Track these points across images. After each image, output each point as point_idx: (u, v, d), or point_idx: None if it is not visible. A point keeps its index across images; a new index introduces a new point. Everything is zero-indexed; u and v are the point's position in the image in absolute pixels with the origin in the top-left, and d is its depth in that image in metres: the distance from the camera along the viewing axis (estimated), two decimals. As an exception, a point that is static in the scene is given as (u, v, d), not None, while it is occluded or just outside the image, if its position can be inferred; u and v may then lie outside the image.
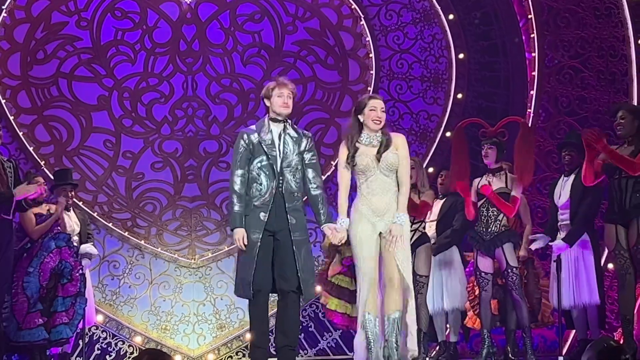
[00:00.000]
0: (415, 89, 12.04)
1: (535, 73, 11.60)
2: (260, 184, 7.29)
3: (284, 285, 7.27)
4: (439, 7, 11.99)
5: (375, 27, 12.01)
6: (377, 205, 7.29)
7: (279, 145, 7.35)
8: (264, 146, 7.31)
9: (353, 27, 12.05)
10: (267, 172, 7.28)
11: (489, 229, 9.08)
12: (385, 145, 7.33)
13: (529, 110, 11.55)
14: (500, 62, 12.00)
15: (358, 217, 7.33)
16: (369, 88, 11.88)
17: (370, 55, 11.96)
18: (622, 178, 8.25)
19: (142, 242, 11.48)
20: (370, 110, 7.36)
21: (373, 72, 11.93)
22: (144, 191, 11.69)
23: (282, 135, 7.37)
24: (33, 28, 11.52)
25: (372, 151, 7.35)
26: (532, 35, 11.64)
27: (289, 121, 7.48)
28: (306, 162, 7.43)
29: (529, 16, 11.65)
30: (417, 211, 9.03)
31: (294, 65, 12.00)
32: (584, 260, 9.08)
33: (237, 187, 7.31)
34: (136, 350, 11.14)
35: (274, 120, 7.40)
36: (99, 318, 10.94)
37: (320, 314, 11.40)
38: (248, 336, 11.07)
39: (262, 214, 7.24)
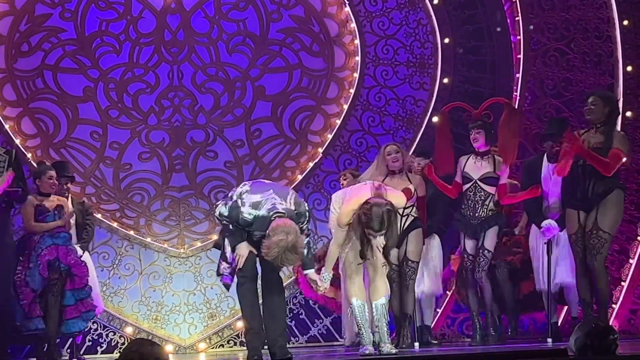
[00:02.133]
0: (401, 74, 12.03)
1: (520, 56, 11.62)
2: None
3: (265, 270, 7.35)
4: (423, -8, 12.00)
5: (360, 13, 12.00)
6: None
7: None
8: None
9: (338, 13, 12.03)
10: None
11: (477, 214, 9.13)
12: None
13: (515, 93, 11.56)
14: (485, 46, 12.01)
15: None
16: (354, 74, 11.88)
17: (356, 41, 11.95)
18: (586, 165, 8.33)
19: (131, 232, 11.48)
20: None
21: (359, 58, 11.92)
22: (132, 182, 11.67)
23: None
24: (17, 20, 11.47)
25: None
26: (516, 18, 11.64)
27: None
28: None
29: (513, -1, 11.67)
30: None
31: (279, 53, 11.98)
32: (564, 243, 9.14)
33: None
34: (127, 341, 11.13)
35: None
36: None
37: (311, 301, 11.41)
38: (239, 324, 11.15)
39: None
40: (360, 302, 7.56)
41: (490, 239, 9.12)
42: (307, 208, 7.42)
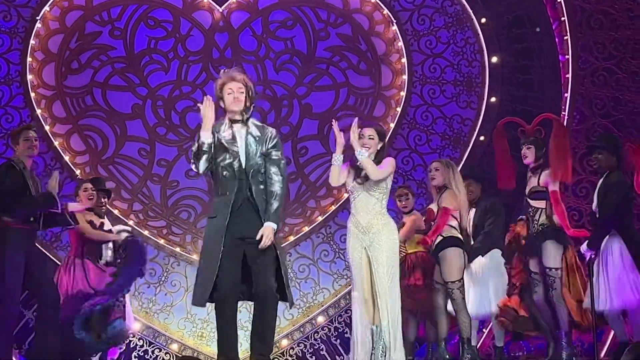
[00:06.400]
0: (448, 93, 12.02)
1: (569, 75, 11.54)
2: (226, 184, 6.83)
3: (260, 289, 6.87)
4: (471, 11, 11.97)
5: (408, 31, 12.00)
6: (361, 222, 7.75)
7: (242, 144, 6.87)
8: (224, 142, 6.86)
9: (385, 32, 12.04)
10: (230, 171, 6.83)
11: (531, 231, 8.97)
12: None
13: (563, 113, 11.48)
14: (533, 65, 11.94)
15: (349, 234, 7.87)
16: (401, 93, 11.88)
17: (403, 60, 11.95)
18: None
19: (178, 249, 11.53)
20: (359, 137, 7.78)
21: (406, 77, 11.92)
22: (179, 199, 11.75)
23: (245, 136, 6.90)
24: (67, 38, 11.61)
25: (360, 172, 7.82)
26: (565, 38, 11.58)
27: (250, 119, 6.98)
28: (270, 158, 6.92)
29: (562, 18, 11.59)
30: (441, 220, 8.98)
31: (326, 72, 12.02)
32: (614, 263, 8.92)
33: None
34: (173, 357, 11.18)
35: (234, 120, 6.93)
36: (136, 326, 10.99)
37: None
38: (284, 343, 11.17)
39: (222, 219, 6.77)
40: (372, 325, 7.74)
41: (547, 256, 8.83)
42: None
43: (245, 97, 6.92)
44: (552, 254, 8.82)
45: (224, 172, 6.84)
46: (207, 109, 6.80)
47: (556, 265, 8.81)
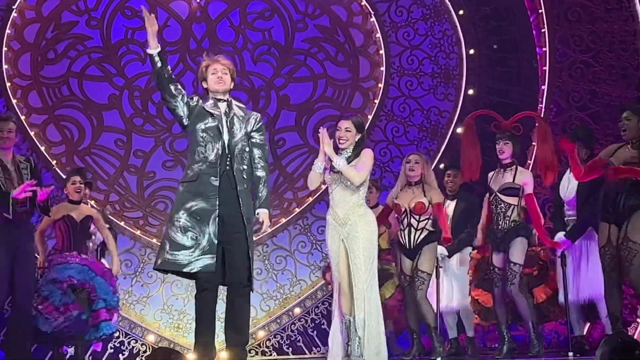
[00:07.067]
0: (425, 85, 12.03)
1: (546, 68, 11.56)
2: (205, 146, 6.77)
3: (234, 278, 6.83)
4: (449, 3, 11.98)
5: (386, 23, 12.01)
6: (339, 214, 7.64)
7: (226, 121, 6.83)
8: (207, 108, 6.86)
9: (363, 23, 12.04)
10: (212, 134, 6.78)
11: (499, 226, 8.98)
12: (351, 160, 7.66)
13: (540, 105, 11.50)
14: (511, 58, 11.97)
15: (328, 226, 7.77)
16: (379, 85, 11.88)
17: (381, 51, 11.95)
18: (619, 179, 8.16)
19: (154, 240, 11.49)
20: (336, 130, 7.71)
21: (383, 68, 11.92)
22: (156, 190, 11.72)
23: (228, 112, 6.89)
24: (43, 28, 11.56)
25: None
26: (542, 30, 11.60)
27: (234, 101, 7.03)
28: (253, 141, 6.95)
29: (540, 11, 11.60)
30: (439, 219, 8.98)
31: (304, 63, 12.01)
32: (587, 256, 8.98)
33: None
34: (149, 348, 11.16)
35: (218, 99, 6.93)
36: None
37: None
38: (260, 334, 11.15)
39: (212, 178, 6.71)
40: (349, 316, 7.68)
41: (516, 251, 8.85)
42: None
43: (229, 79, 6.98)
44: (519, 250, 8.85)
45: (205, 135, 6.78)
46: (149, 22, 6.98)
47: (519, 262, 8.83)
